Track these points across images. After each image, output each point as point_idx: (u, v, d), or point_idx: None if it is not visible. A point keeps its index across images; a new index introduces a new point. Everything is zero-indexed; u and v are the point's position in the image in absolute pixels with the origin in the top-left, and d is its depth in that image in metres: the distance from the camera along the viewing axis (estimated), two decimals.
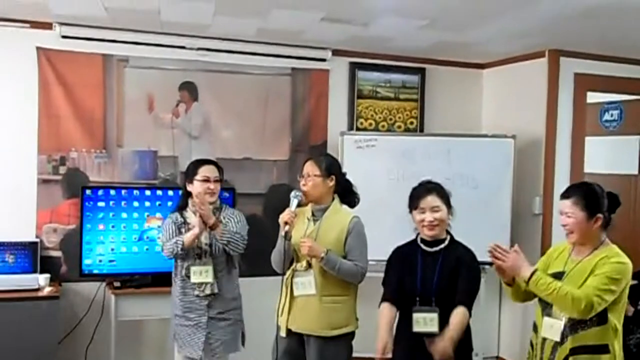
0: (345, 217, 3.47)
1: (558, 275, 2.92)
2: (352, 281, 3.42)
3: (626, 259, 2.88)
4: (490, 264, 5.10)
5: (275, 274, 3.55)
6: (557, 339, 2.88)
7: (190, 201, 3.80)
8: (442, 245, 3.24)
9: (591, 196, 2.92)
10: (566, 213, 2.93)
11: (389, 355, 3.22)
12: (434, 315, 3.12)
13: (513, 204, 5.12)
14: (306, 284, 3.32)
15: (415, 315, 3.15)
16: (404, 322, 3.24)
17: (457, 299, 3.14)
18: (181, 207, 3.86)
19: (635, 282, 4.10)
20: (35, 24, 4.58)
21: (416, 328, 3.14)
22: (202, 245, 3.71)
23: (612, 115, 6.02)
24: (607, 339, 2.85)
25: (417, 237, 3.32)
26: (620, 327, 2.89)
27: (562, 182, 5.13)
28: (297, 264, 3.38)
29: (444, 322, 3.12)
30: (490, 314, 5.65)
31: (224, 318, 3.77)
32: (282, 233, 3.35)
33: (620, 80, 5.34)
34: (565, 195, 2.98)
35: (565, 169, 5.17)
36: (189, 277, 3.74)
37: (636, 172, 5.70)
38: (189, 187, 3.80)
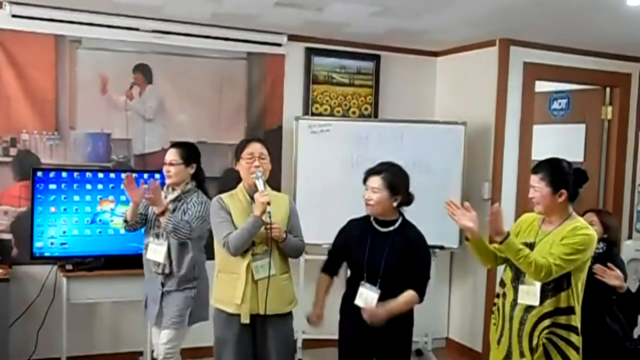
0: (282, 197, 3.57)
1: (529, 246, 3.08)
2: (296, 257, 3.60)
3: (592, 231, 3.07)
4: (441, 247, 5.27)
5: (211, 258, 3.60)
6: (536, 303, 3.04)
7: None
8: (392, 227, 3.35)
9: (557, 172, 3.09)
10: (533, 187, 3.11)
11: (320, 321, 3.43)
12: (375, 295, 3.26)
13: (463, 189, 5.24)
14: (265, 266, 3.33)
15: (360, 289, 3.31)
16: (350, 293, 3.37)
17: (410, 283, 3.27)
18: None
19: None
20: None
21: (358, 301, 3.30)
22: (162, 225, 3.74)
23: (560, 104, 6.17)
24: (572, 301, 3.05)
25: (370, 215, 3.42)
26: (582, 291, 3.09)
27: (510, 168, 5.29)
28: (254, 248, 3.35)
29: (384, 300, 3.24)
30: (441, 296, 5.78)
31: (176, 296, 3.83)
32: (259, 215, 3.24)
33: (569, 69, 5.49)
34: (534, 171, 3.15)
35: (513, 155, 5.31)
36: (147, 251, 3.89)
37: (582, 160, 5.87)
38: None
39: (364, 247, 3.32)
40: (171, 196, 3.85)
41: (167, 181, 3.86)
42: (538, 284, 3.03)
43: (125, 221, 3.93)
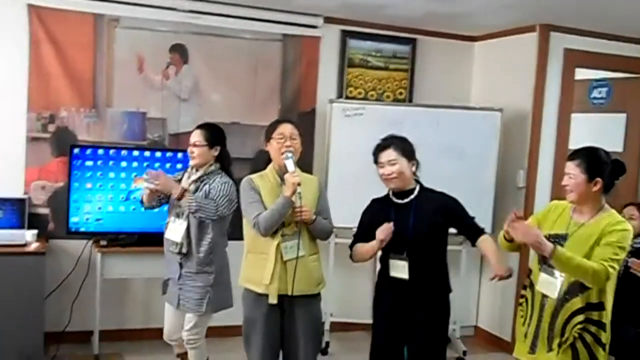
0: (311, 179, 3.56)
1: (561, 237, 3.00)
2: (325, 238, 3.56)
3: (629, 226, 2.97)
4: None
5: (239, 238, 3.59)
6: (554, 296, 2.97)
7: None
8: (412, 196, 3.35)
9: (594, 160, 2.99)
10: (568, 174, 3.01)
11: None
12: (405, 264, 3.28)
13: (498, 177, 5.19)
14: (294, 247, 3.34)
15: (391, 261, 3.33)
16: (383, 268, 3.40)
17: (477, 232, 3.35)
18: None
19: None
20: None
21: (392, 272, 3.33)
22: (183, 205, 3.71)
23: (600, 93, 6.05)
24: (603, 297, 2.96)
25: (389, 191, 3.41)
26: (613, 286, 2.99)
27: (546, 156, 5.21)
28: (284, 229, 3.36)
29: (415, 270, 3.27)
30: (471, 284, 5.74)
31: (194, 279, 3.76)
32: (289, 195, 3.25)
33: (610, 57, 5.36)
34: (570, 157, 3.05)
35: (550, 144, 5.22)
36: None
37: (621, 150, 5.75)
38: None
39: (387, 221, 3.30)
40: (194, 177, 3.80)
41: (191, 162, 3.82)
42: (560, 278, 2.95)
43: (141, 202, 3.95)
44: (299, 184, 3.24)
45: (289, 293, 3.35)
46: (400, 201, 3.36)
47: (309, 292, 3.43)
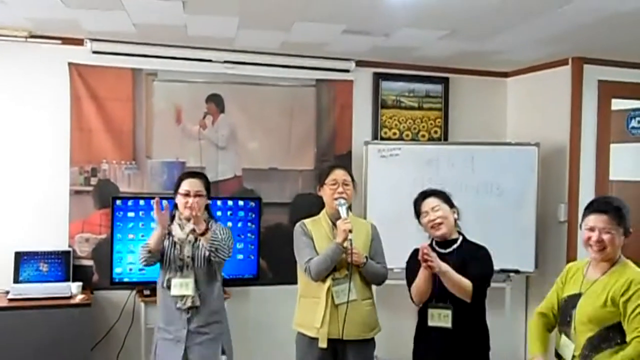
0: (364, 223, 3.59)
1: (575, 297, 2.92)
2: (379, 283, 3.56)
3: None
4: (516, 271, 5.10)
5: (293, 282, 3.62)
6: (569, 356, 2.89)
7: (176, 213, 3.70)
8: (455, 246, 3.34)
9: (624, 211, 2.86)
10: (602, 228, 2.82)
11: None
12: (448, 312, 3.24)
13: (538, 212, 5.12)
14: (345, 291, 3.36)
15: (430, 311, 3.30)
16: (422, 316, 3.36)
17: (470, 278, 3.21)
18: (172, 218, 3.72)
19: None
20: (67, 40, 4.74)
21: (430, 322, 3.29)
22: (185, 257, 3.62)
23: (639, 122, 5.97)
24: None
25: (432, 241, 3.41)
26: None
27: (587, 189, 5.13)
28: (335, 273, 3.39)
29: (458, 319, 3.23)
30: (517, 321, 5.62)
31: (205, 332, 3.63)
32: (341, 242, 3.29)
33: None
34: (600, 210, 2.86)
35: (590, 176, 5.15)
36: (169, 288, 3.61)
37: None
38: (176, 200, 3.71)
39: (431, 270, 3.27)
40: (188, 228, 3.63)
41: (188, 213, 3.56)
42: (585, 336, 2.84)
43: (149, 252, 3.58)
44: (350, 231, 3.27)
45: (340, 337, 3.34)
46: (442, 250, 3.34)
47: (361, 337, 3.43)
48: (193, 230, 3.61)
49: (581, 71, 5.15)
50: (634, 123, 6.04)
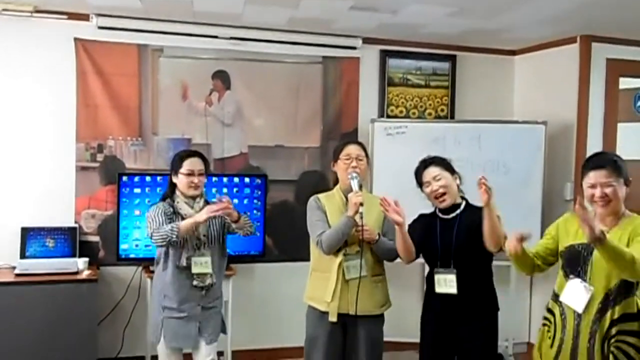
0: (377, 200, 3.55)
1: (584, 248, 2.89)
2: (392, 260, 3.55)
3: None
4: None
5: (305, 259, 3.64)
6: (580, 310, 2.86)
7: (177, 192, 3.66)
8: (458, 211, 3.37)
9: (622, 162, 2.93)
10: (604, 183, 2.85)
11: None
12: (452, 277, 3.27)
13: (544, 190, 5.11)
14: (357, 266, 3.38)
15: (437, 277, 3.32)
16: (430, 283, 3.39)
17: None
18: (166, 197, 3.71)
19: None
20: (73, 16, 4.71)
21: (438, 289, 3.31)
22: (201, 236, 3.63)
23: None
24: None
25: (435, 208, 3.43)
26: None
27: None
28: (346, 248, 3.42)
29: (463, 283, 3.25)
30: (522, 300, 5.65)
31: (214, 306, 3.71)
32: (352, 215, 3.30)
33: None
34: (598, 166, 2.89)
35: None
36: (189, 267, 3.59)
37: None
38: (174, 179, 3.67)
39: (434, 236, 3.34)
40: (198, 206, 3.66)
41: (194, 192, 3.63)
42: (589, 294, 2.84)
43: (177, 236, 3.48)
44: (361, 204, 3.29)
45: (351, 312, 3.38)
46: (446, 216, 3.37)
47: (371, 312, 3.45)
48: (202, 208, 3.59)
49: (589, 49, 5.12)
50: None
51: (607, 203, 2.87)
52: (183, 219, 3.58)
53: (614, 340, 2.83)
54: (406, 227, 3.33)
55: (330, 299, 3.40)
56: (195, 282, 3.61)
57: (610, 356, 2.83)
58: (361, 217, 3.31)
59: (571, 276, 2.94)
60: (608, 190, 2.85)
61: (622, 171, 2.89)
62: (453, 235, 3.30)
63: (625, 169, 2.92)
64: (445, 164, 3.39)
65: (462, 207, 3.37)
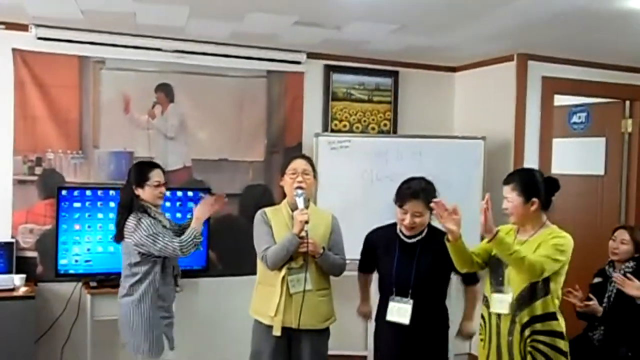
0: (325, 214, 3.60)
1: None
2: (337, 274, 3.57)
3: (568, 235, 3.13)
4: None
5: (250, 273, 3.63)
6: (506, 311, 3.09)
7: (145, 203, 3.74)
8: (420, 237, 3.37)
9: (528, 181, 3.19)
10: (506, 198, 3.21)
11: (369, 316, 3.54)
12: (408, 307, 3.27)
13: None
14: (301, 280, 3.38)
15: (391, 304, 3.33)
16: (382, 308, 3.40)
17: (473, 278, 3.46)
18: (130, 210, 3.72)
19: (599, 279, 4.26)
20: (11, 26, 4.61)
21: (389, 317, 3.32)
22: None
23: (579, 118, 6.16)
24: (552, 308, 3.09)
25: (396, 224, 3.42)
26: (560, 296, 3.15)
27: None
28: (291, 262, 3.40)
29: (419, 314, 3.27)
30: (459, 311, 5.74)
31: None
32: (297, 232, 3.30)
33: (587, 83, 5.49)
34: (505, 181, 3.25)
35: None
36: (173, 271, 3.87)
37: (602, 173, 5.85)
38: (137, 191, 3.75)
39: (391, 259, 3.34)
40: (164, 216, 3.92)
41: (160, 202, 3.85)
42: (510, 294, 3.09)
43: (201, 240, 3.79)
44: (306, 222, 3.28)
45: (294, 326, 3.37)
46: (407, 240, 3.38)
47: (315, 326, 3.45)
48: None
49: (526, 67, 5.30)
50: (575, 119, 6.22)
51: (509, 215, 3.22)
52: (165, 228, 3.74)
53: (530, 340, 3.06)
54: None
55: (274, 313, 3.39)
56: (177, 284, 3.91)
57: (528, 356, 3.06)
58: (306, 234, 3.31)
59: (495, 287, 3.18)
60: (508, 205, 3.21)
61: (525, 189, 3.16)
62: (413, 264, 3.31)
63: (534, 187, 3.17)
64: (428, 201, 3.23)
65: (425, 232, 3.38)
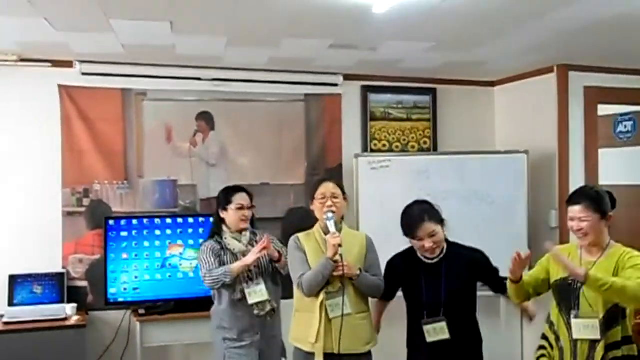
0: (358, 235, 3.60)
1: (573, 281, 3.02)
2: (376, 295, 3.55)
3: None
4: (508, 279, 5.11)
5: (290, 297, 3.64)
6: (597, 337, 2.98)
7: (224, 228, 3.87)
8: (442, 255, 3.34)
9: (598, 198, 3.08)
10: (579, 218, 3.05)
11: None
12: (443, 324, 3.26)
13: (529, 219, 5.15)
14: (340, 304, 3.34)
15: (426, 328, 3.29)
16: (416, 331, 3.36)
17: (503, 284, 3.33)
18: (214, 234, 3.89)
19: None
20: (57, 63, 4.77)
21: (429, 339, 3.29)
22: (252, 267, 3.76)
23: (625, 127, 6.04)
24: (629, 331, 3.03)
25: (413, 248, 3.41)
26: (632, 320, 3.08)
27: None
28: (328, 287, 3.37)
29: (454, 329, 3.25)
30: (512, 330, 5.63)
31: (274, 335, 3.88)
32: (331, 257, 3.28)
33: (631, 91, 5.37)
34: (575, 202, 3.10)
35: (579, 181, 5.18)
36: (243, 299, 3.75)
37: None
38: (223, 214, 3.88)
39: (418, 284, 3.31)
40: (245, 239, 3.87)
41: (243, 225, 3.86)
42: (595, 318, 2.98)
43: (231, 278, 3.69)
44: (340, 245, 3.27)
45: (335, 351, 3.34)
46: (429, 261, 3.35)
47: (356, 350, 3.41)
48: (251, 241, 3.86)
49: (566, 78, 5.22)
50: (621, 128, 6.10)
51: (585, 235, 3.05)
52: (232, 254, 3.79)
53: None
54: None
55: (315, 339, 3.35)
56: (256, 312, 3.75)
57: None
58: (341, 258, 3.29)
59: (574, 313, 3.06)
60: (583, 225, 3.03)
61: (599, 206, 3.04)
62: (442, 285, 3.28)
63: (605, 203, 3.07)
64: (437, 217, 3.30)
65: (445, 250, 3.35)
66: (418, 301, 3.32)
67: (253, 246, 3.80)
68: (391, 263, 3.51)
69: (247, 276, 3.77)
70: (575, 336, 3.04)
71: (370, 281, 3.44)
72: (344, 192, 3.58)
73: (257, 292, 3.76)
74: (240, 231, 3.87)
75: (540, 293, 3.25)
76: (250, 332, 3.77)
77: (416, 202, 3.41)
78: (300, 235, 3.58)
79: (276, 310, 3.83)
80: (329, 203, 3.45)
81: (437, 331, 3.26)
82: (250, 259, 3.67)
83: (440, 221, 3.32)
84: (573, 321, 3.05)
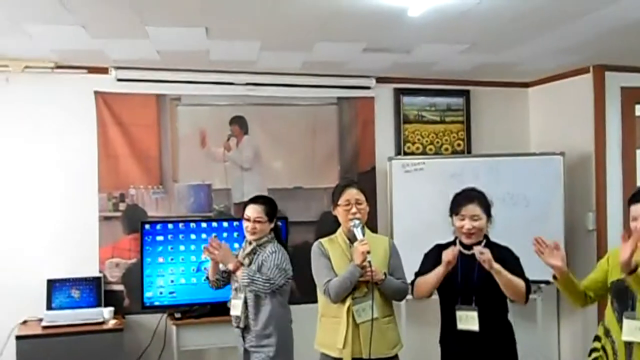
0: (382, 239, 3.59)
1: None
2: (400, 299, 3.55)
3: None
4: (547, 282, 5.07)
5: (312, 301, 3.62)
6: None
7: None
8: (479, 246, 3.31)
9: None
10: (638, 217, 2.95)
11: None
12: (474, 314, 3.24)
13: (566, 221, 5.08)
14: (367, 309, 3.33)
15: (458, 313, 3.29)
16: (448, 319, 3.35)
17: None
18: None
19: None
20: (93, 70, 4.84)
21: (460, 325, 3.28)
22: (238, 279, 3.76)
23: None
24: None
25: (455, 239, 3.40)
26: None
27: (614, 196, 5.10)
28: (355, 292, 3.35)
29: (485, 322, 3.23)
30: (549, 333, 5.57)
31: (258, 351, 3.77)
32: (359, 264, 3.27)
33: None
34: (638, 200, 2.99)
35: (617, 183, 5.12)
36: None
37: None
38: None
39: (454, 271, 3.28)
40: (247, 250, 3.85)
41: (250, 237, 3.84)
42: None
43: (207, 279, 3.99)
44: (368, 252, 3.26)
45: (364, 356, 3.33)
46: (466, 252, 3.33)
47: (384, 355, 3.39)
48: (249, 254, 3.83)
49: (603, 79, 5.14)
50: None
51: None
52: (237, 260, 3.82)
53: None
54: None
55: (342, 345, 3.32)
56: (234, 323, 3.83)
57: None
58: (369, 264, 3.27)
59: (626, 314, 2.98)
60: None
61: None
62: (475, 273, 3.27)
63: None
64: (486, 206, 3.33)
65: (483, 243, 3.33)
66: (452, 287, 3.30)
67: (251, 261, 3.82)
68: (432, 250, 3.49)
69: (235, 288, 3.85)
70: (624, 338, 2.98)
71: (395, 285, 3.42)
72: (367, 198, 3.54)
73: (234, 306, 3.82)
74: (250, 242, 3.87)
75: (601, 295, 3.19)
76: (238, 341, 3.88)
77: (474, 188, 3.43)
78: (324, 240, 3.56)
79: (252, 328, 3.76)
80: (354, 210, 3.42)
81: (468, 319, 3.24)
82: (212, 257, 3.84)
83: (488, 213, 3.32)
84: (625, 322, 2.98)
